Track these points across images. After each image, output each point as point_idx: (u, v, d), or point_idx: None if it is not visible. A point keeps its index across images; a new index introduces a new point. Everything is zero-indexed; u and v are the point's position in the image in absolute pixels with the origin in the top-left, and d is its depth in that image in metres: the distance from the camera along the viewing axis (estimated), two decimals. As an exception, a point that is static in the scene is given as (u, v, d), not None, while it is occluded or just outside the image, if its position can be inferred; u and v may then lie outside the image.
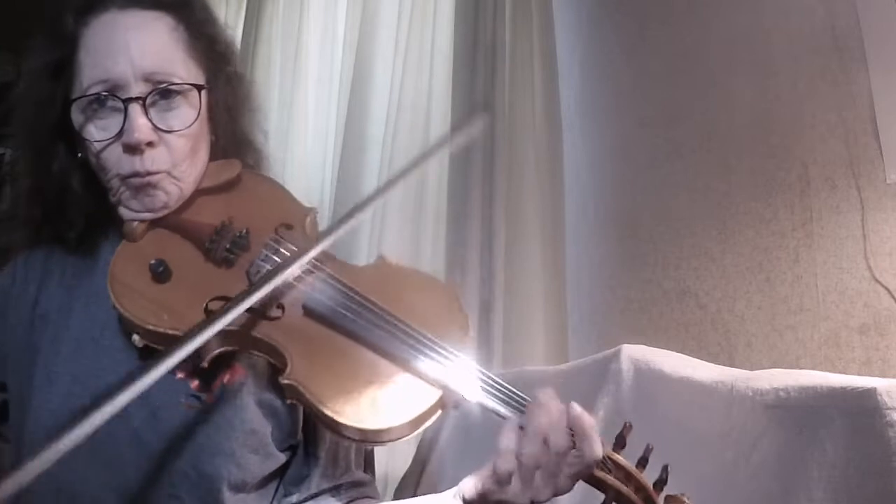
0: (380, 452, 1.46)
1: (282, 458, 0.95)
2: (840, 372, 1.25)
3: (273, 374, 0.88)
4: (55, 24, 0.94)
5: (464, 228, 1.79)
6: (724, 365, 1.33)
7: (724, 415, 1.15)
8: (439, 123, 1.99)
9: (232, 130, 1.03)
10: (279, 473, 0.98)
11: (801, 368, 1.36)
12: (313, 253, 0.86)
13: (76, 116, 0.93)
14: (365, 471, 1.03)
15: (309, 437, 0.96)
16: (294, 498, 0.96)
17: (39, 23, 1.00)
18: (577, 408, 0.79)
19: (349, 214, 0.90)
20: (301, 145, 2.35)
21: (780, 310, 1.51)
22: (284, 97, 2.40)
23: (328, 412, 0.79)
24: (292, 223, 0.94)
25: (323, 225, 1.00)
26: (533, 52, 1.88)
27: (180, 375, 0.91)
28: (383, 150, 2.02)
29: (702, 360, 1.31)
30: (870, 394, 0.98)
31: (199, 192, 0.97)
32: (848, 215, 1.45)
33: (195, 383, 0.91)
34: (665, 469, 0.81)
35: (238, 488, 0.90)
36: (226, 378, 0.91)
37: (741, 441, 1.12)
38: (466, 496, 0.80)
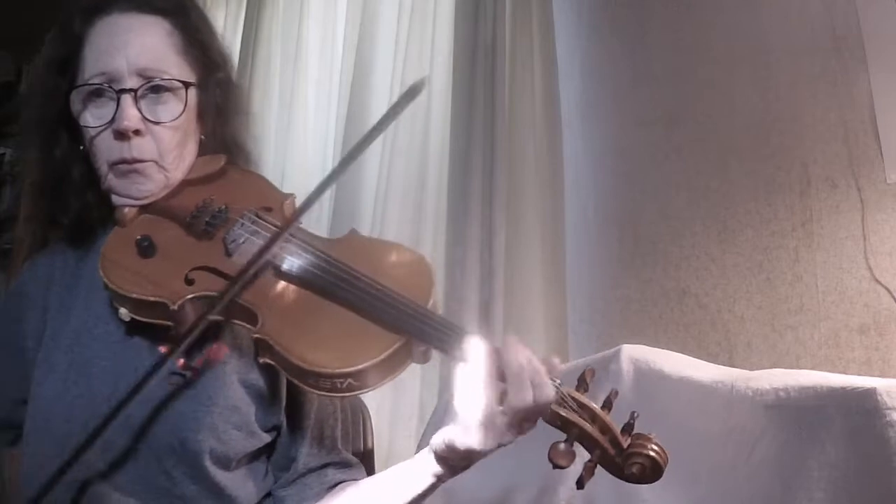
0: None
1: (265, 437, 0.98)
2: (840, 372, 1.25)
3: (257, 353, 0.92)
4: (64, 25, 1.01)
5: (464, 228, 1.79)
6: (724, 365, 1.33)
7: (724, 415, 1.15)
8: (439, 123, 1.99)
9: (221, 132, 1.09)
10: (266, 454, 1.00)
11: (801, 368, 1.36)
12: (290, 229, 0.91)
13: (76, 105, 0.99)
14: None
15: (295, 415, 0.99)
16: (283, 484, 0.99)
17: (39, 24, 1.04)
18: (519, 351, 0.80)
19: (319, 188, 0.94)
20: (301, 145, 2.35)
21: (780, 310, 1.51)
22: (284, 97, 2.40)
23: (296, 361, 0.82)
24: (271, 206, 0.98)
25: (319, 224, 1.01)
26: (533, 52, 1.88)
27: (164, 351, 0.92)
28: (383, 150, 2.02)
29: (702, 360, 1.31)
30: (870, 394, 0.99)
31: (185, 183, 1.03)
32: (848, 215, 1.45)
33: (180, 361, 0.93)
34: (632, 415, 0.81)
35: (222, 463, 0.93)
36: (209, 355, 0.95)
37: (741, 441, 1.12)
38: (437, 450, 0.84)
